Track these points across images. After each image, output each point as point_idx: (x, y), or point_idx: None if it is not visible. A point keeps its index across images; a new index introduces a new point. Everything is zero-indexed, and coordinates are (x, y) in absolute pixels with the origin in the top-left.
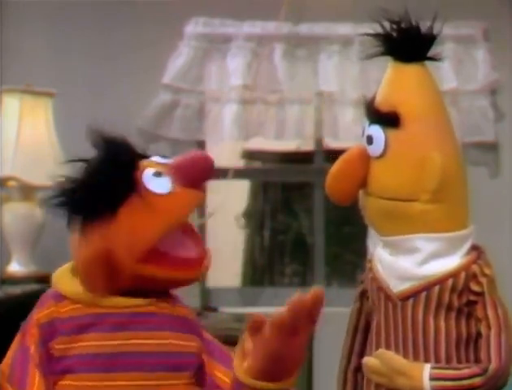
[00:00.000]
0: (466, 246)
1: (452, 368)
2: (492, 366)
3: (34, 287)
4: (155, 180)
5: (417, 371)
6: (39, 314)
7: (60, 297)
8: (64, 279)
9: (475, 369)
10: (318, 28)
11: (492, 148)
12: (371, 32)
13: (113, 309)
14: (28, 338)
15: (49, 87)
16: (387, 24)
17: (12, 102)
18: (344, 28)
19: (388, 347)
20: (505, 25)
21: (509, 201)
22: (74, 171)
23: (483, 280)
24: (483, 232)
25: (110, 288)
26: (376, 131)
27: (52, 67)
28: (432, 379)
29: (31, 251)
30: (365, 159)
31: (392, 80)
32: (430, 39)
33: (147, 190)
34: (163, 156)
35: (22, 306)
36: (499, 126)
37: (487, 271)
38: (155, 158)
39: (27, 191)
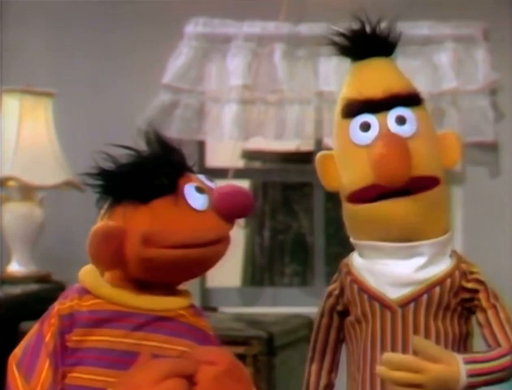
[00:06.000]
0: (451, 247)
1: (478, 352)
2: None
3: (34, 287)
4: (195, 194)
5: (452, 357)
6: (61, 305)
7: (84, 292)
8: (90, 275)
9: (500, 350)
10: (318, 28)
11: (492, 148)
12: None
13: (134, 310)
14: (46, 327)
15: (49, 87)
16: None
17: (12, 102)
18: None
19: None
20: (505, 25)
21: (509, 201)
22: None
23: (478, 276)
24: (484, 232)
25: (113, 267)
26: (405, 111)
27: (52, 67)
28: (466, 362)
29: (31, 251)
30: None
31: (381, 72)
32: (386, 35)
33: (184, 199)
34: (209, 178)
35: (22, 306)
36: (499, 126)
37: (474, 269)
38: (200, 177)
39: (27, 191)
